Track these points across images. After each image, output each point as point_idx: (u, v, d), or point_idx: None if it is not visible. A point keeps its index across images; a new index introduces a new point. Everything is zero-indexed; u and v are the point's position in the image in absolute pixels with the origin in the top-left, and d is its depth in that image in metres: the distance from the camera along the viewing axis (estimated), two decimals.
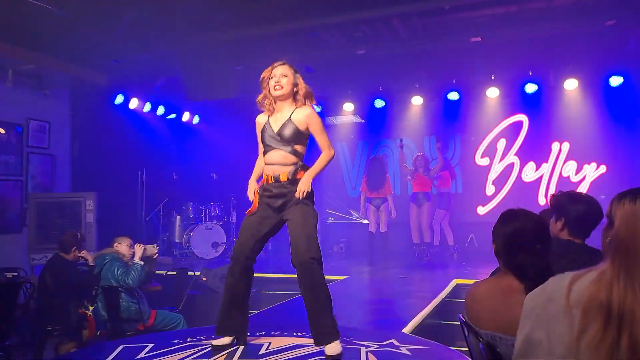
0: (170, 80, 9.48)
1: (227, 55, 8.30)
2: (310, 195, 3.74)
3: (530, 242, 2.21)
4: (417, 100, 10.47)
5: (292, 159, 3.74)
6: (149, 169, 10.14)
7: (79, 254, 5.71)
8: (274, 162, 3.75)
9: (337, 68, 9.23)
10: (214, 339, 3.74)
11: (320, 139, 3.83)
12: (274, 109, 3.82)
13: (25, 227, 8.29)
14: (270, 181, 3.74)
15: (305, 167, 3.78)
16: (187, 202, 10.59)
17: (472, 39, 8.09)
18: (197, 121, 11.50)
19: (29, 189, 8.60)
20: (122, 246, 5.41)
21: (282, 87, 3.74)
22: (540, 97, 9.80)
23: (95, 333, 5.22)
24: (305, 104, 3.81)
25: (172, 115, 10.99)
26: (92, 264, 5.56)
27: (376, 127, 11.06)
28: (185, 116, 11.16)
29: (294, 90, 3.80)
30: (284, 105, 3.80)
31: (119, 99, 9.73)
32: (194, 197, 10.63)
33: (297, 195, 3.65)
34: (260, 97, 3.87)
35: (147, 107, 10.26)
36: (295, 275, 3.64)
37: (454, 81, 9.94)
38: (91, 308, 5.28)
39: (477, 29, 7.89)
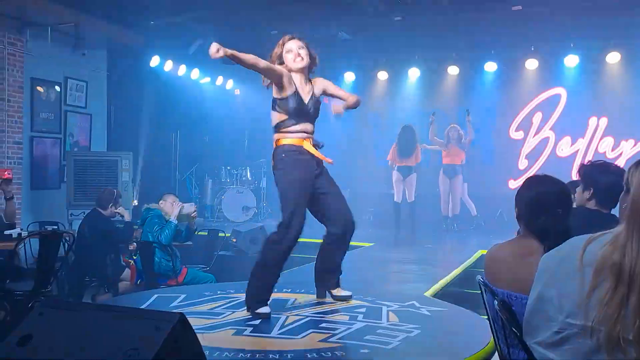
0: (206, 44, 9.54)
1: (263, 20, 8.32)
2: None
3: (553, 206, 2.27)
4: (453, 70, 10.37)
5: (313, 129, 3.84)
6: (183, 131, 10.32)
7: (115, 210, 5.94)
8: (309, 132, 3.77)
9: (372, 35, 9.15)
10: (257, 308, 3.57)
11: (341, 91, 3.99)
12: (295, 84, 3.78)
13: (64, 183, 8.57)
14: (310, 143, 3.74)
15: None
16: (220, 166, 10.77)
17: (513, 8, 7.93)
18: (231, 86, 11.61)
19: (67, 147, 8.86)
20: (165, 203, 5.60)
21: (303, 59, 3.76)
22: (580, 70, 9.60)
23: (135, 282, 5.47)
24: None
25: (207, 79, 11.13)
26: (128, 220, 5.78)
27: (410, 96, 10.98)
28: (219, 80, 11.29)
29: (310, 63, 3.84)
30: (300, 78, 3.78)
31: (155, 61, 9.86)
32: (226, 161, 10.80)
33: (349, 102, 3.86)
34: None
35: (182, 70, 10.40)
36: (318, 240, 3.93)
37: (493, 52, 9.80)
38: (135, 257, 5.53)
39: None
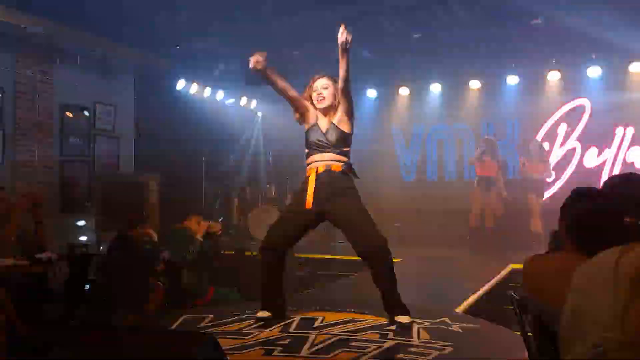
0: (230, 66, 9.68)
1: (284, 40, 8.41)
2: (354, 187, 3.86)
3: (605, 222, 2.12)
4: (474, 84, 10.35)
5: (342, 158, 3.86)
6: (209, 151, 10.42)
7: (143, 231, 5.99)
8: (324, 159, 3.82)
9: (392, 52, 9.20)
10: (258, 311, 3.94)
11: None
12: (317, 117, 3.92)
13: (93, 205, 8.69)
14: (321, 171, 3.80)
15: (352, 169, 3.87)
16: (245, 185, 10.84)
17: (533, 22, 7.92)
18: (255, 106, 11.75)
19: (96, 170, 9.00)
20: (191, 223, 5.67)
21: (325, 99, 3.85)
22: (603, 80, 9.50)
23: (164, 303, 5.49)
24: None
25: (231, 100, 11.27)
26: (156, 240, 5.83)
27: (432, 111, 10.97)
28: (243, 101, 11.43)
29: (336, 101, 3.89)
30: (324, 115, 3.91)
31: (181, 84, 10.04)
32: (252, 180, 10.87)
33: (341, 38, 3.73)
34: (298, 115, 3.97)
35: (207, 92, 10.57)
36: (352, 257, 3.84)
37: (513, 65, 9.76)
38: (162, 279, 5.57)
39: (538, 11, 7.71)
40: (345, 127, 3.86)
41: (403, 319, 3.71)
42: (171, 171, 9.18)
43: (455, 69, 9.94)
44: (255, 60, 3.63)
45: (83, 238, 7.85)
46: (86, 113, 8.88)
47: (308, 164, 3.88)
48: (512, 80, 10.02)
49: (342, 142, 3.86)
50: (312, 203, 3.81)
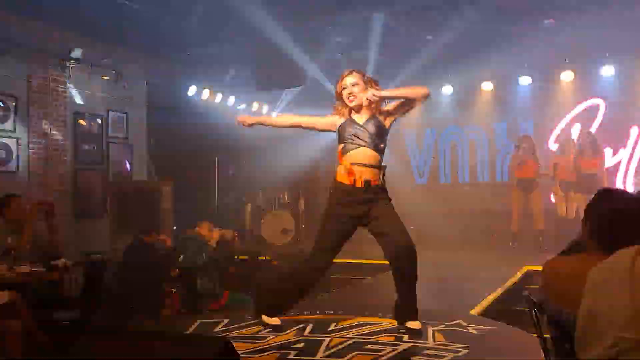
0: (241, 71, 9.73)
1: (294, 45, 8.44)
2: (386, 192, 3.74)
3: (632, 224, 2.01)
4: (487, 86, 10.29)
5: (378, 158, 3.70)
6: (221, 157, 10.48)
7: (157, 237, 6.03)
8: (359, 162, 3.65)
9: (404, 54, 9.18)
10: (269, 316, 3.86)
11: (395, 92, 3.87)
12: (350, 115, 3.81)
13: (107, 212, 8.75)
14: (359, 185, 3.63)
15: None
16: (257, 190, 10.87)
17: (545, 22, 7.88)
18: (266, 111, 11.77)
19: (110, 177, 9.07)
20: (202, 229, 5.70)
21: (356, 97, 3.74)
22: (617, 79, 9.41)
23: (179, 310, 5.52)
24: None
25: (242, 106, 11.31)
26: (170, 246, 5.86)
27: (444, 113, 10.93)
28: (255, 106, 11.46)
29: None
30: (361, 112, 3.79)
31: (192, 90, 10.10)
32: (264, 185, 10.89)
33: (369, 96, 3.62)
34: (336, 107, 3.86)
35: (219, 98, 10.62)
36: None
37: (526, 65, 9.70)
38: (177, 285, 5.61)
39: (550, 11, 7.67)
40: (384, 122, 3.76)
41: (414, 324, 3.62)
42: (184, 177, 9.23)
43: (467, 70, 9.90)
44: (241, 120, 3.82)
45: (98, 245, 7.90)
46: (99, 120, 8.96)
47: (349, 164, 3.64)
48: (525, 81, 9.96)
49: (380, 136, 3.71)
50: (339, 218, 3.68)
